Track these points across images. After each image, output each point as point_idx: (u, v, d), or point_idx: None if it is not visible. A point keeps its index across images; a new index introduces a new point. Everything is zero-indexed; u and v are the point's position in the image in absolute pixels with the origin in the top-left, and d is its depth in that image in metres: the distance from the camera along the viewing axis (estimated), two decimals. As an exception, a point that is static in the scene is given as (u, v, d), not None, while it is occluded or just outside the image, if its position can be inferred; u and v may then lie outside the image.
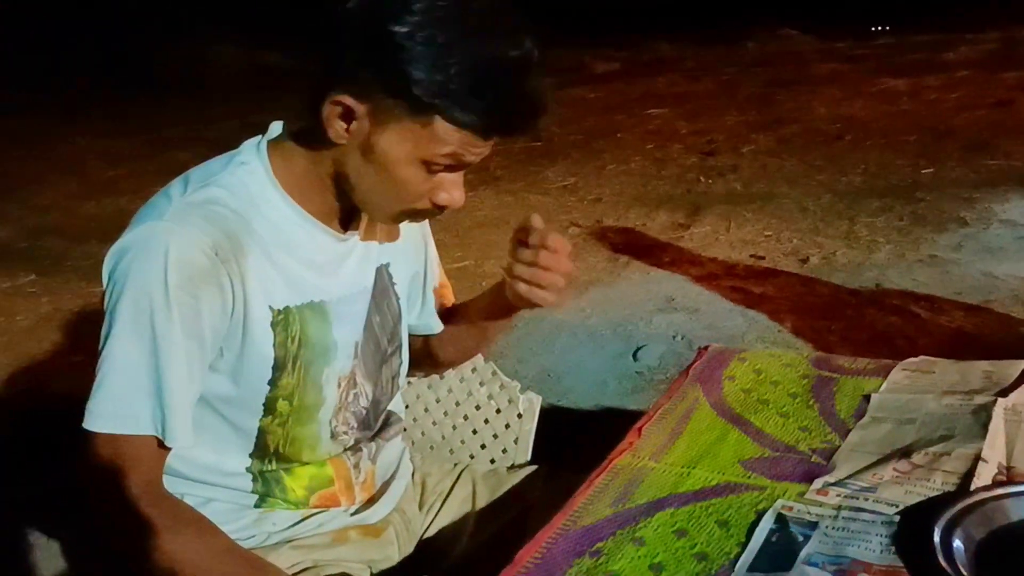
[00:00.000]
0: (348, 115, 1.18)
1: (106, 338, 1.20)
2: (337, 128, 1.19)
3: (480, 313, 1.56)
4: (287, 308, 1.28)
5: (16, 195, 6.15)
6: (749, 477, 1.30)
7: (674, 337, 3.63)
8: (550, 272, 1.32)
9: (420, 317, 1.57)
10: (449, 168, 1.21)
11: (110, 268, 1.21)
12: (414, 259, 1.53)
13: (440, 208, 1.26)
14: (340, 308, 1.35)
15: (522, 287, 1.33)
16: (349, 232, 1.36)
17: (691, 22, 11.30)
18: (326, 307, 1.33)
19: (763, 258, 4.42)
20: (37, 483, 2.62)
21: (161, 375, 1.18)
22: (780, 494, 1.24)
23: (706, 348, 1.75)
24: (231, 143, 1.33)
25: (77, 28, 10.81)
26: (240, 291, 1.23)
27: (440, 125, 1.15)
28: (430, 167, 1.20)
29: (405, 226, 1.47)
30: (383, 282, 1.44)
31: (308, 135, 1.25)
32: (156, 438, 1.20)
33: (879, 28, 10.93)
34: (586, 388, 3.29)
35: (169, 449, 1.22)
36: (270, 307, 1.27)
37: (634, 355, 3.50)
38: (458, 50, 1.11)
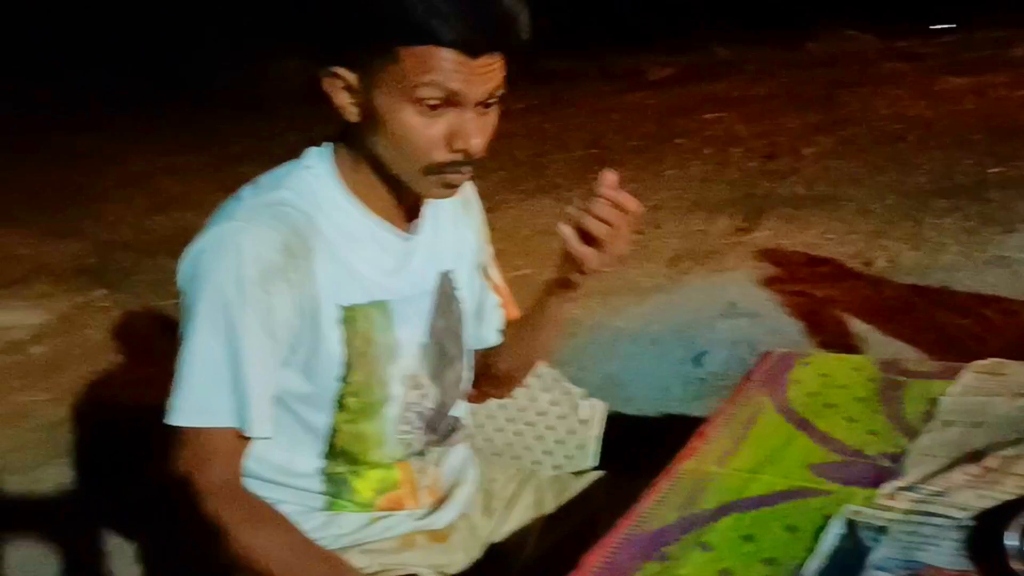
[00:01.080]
0: (347, 89, 1.23)
1: (184, 336, 1.24)
2: (342, 100, 1.24)
3: (532, 314, 1.54)
4: (353, 306, 1.32)
5: (87, 211, 6.28)
6: (816, 482, 1.29)
7: (737, 343, 3.60)
8: (609, 228, 1.27)
9: (479, 328, 1.58)
10: (446, 103, 1.21)
11: (186, 270, 1.26)
12: (475, 267, 1.54)
13: (463, 160, 1.25)
14: (403, 308, 1.37)
15: (568, 232, 1.28)
16: (413, 232, 1.39)
17: (749, 25, 11.19)
18: (389, 306, 1.36)
19: (826, 261, 4.36)
20: (112, 493, 2.69)
21: (239, 367, 1.22)
22: (848, 499, 1.23)
23: (769, 353, 1.74)
24: (295, 157, 1.37)
25: (141, 46, 11.04)
26: (310, 288, 1.27)
27: (409, 54, 1.17)
28: (426, 105, 1.20)
29: (466, 235, 1.50)
30: (447, 286, 1.46)
31: (345, 132, 1.29)
32: (236, 430, 1.24)
33: (942, 26, 10.73)
34: (649, 394, 3.28)
35: (249, 442, 1.26)
36: (337, 304, 1.30)
37: (697, 361, 3.49)
38: None
